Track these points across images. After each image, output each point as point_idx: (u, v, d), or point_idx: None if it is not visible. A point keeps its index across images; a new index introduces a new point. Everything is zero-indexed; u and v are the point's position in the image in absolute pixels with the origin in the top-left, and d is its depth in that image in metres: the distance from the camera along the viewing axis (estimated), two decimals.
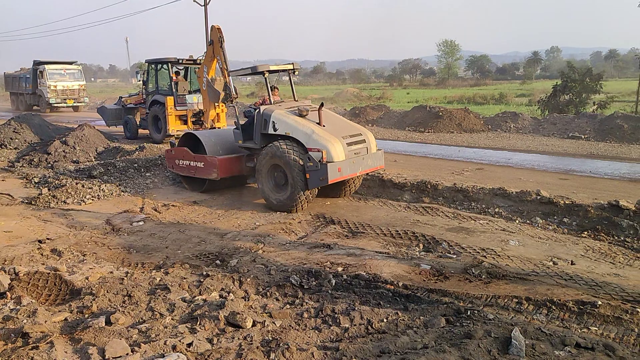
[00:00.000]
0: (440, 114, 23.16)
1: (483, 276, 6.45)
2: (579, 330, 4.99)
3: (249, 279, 6.19)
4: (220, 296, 5.78)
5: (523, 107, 30.09)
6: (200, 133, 11.53)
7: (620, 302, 5.55)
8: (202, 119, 18.20)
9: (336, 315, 5.08)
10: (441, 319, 4.96)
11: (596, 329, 5.04)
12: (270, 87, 10.84)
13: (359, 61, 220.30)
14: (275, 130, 9.74)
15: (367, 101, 38.47)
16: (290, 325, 5.00)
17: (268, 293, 5.86)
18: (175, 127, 18.66)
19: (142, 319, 5.10)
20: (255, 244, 7.91)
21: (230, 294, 5.81)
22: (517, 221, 8.84)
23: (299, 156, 9.24)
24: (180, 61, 19.10)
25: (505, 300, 5.66)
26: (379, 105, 29.13)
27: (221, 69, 15.63)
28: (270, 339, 4.66)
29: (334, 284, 6.10)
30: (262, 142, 10.02)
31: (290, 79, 11.76)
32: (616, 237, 7.79)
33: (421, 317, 5.04)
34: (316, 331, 4.85)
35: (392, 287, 6.08)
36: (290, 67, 11.06)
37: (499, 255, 7.20)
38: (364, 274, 6.46)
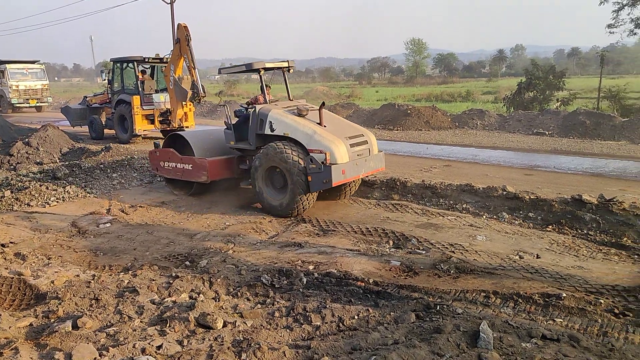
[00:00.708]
0: (409, 111, 23.40)
1: (452, 271, 6.55)
2: (545, 322, 5.11)
3: (219, 280, 6.14)
4: (190, 297, 5.72)
5: (489, 105, 30.64)
6: (187, 134, 11.03)
7: (584, 294, 5.71)
8: (169, 118, 18.02)
9: (307, 313, 5.09)
10: (411, 314, 5.01)
11: (561, 320, 5.16)
12: (265, 85, 10.49)
13: (328, 59, 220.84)
14: (272, 130, 9.30)
15: (337, 99, 38.57)
16: (261, 325, 4.99)
17: (239, 293, 5.83)
18: (142, 127, 18.39)
19: (110, 322, 5.01)
20: (225, 244, 7.85)
21: (201, 294, 5.75)
22: (484, 216, 9.00)
23: (300, 158, 8.85)
24: (146, 60, 18.82)
25: (474, 295, 5.76)
26: (348, 103, 29.28)
27: (188, 67, 15.46)
28: (242, 339, 4.63)
29: (305, 283, 6.10)
30: (258, 143, 9.65)
31: (284, 77, 11.14)
32: (579, 231, 7.99)
33: (392, 313, 5.09)
34: (288, 330, 4.85)
35: (363, 284, 6.12)
36: (285, 64, 10.61)
37: (467, 250, 7.32)
38: (335, 271, 6.48)
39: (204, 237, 8.24)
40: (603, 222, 7.91)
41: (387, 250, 7.56)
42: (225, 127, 10.35)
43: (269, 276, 6.25)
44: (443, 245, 7.60)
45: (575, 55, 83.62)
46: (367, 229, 8.45)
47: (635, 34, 24.15)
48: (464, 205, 9.53)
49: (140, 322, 5.01)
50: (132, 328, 4.83)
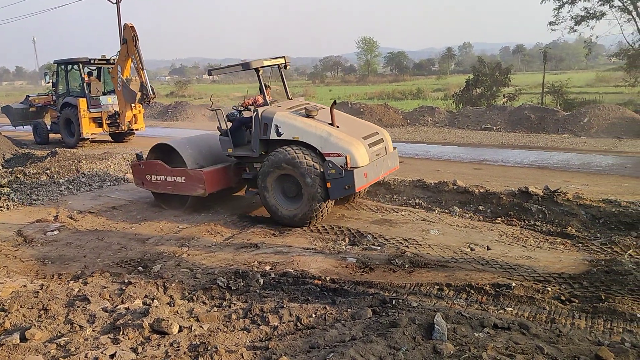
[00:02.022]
0: (362, 110, 23.65)
1: (406, 266, 6.66)
2: (496, 312, 5.26)
3: (173, 284, 6.04)
4: (144, 303, 5.60)
5: (439, 102, 31.29)
6: (175, 143, 9.97)
7: (533, 283, 5.92)
8: (118, 120, 17.58)
9: (265, 314, 5.07)
10: (368, 310, 5.07)
11: (511, 309, 5.33)
12: (265, 85, 9.55)
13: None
14: (279, 135, 8.48)
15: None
16: (218, 328, 4.94)
17: (194, 297, 5.75)
18: (90, 130, 17.86)
19: (60, 332, 4.86)
20: (179, 247, 7.72)
21: (155, 300, 5.64)
22: (436, 211, 9.18)
23: (316, 163, 8.14)
24: (92, 61, 18.29)
25: (428, 288, 5.88)
26: None
27: (136, 68, 15.12)
28: (198, 343, 4.58)
29: (262, 283, 6.08)
30: (261, 149, 8.82)
31: (281, 74, 10.26)
32: (527, 222, 8.27)
33: (348, 310, 5.14)
34: (245, 332, 4.82)
35: (320, 282, 6.14)
36: (282, 61, 9.67)
37: (420, 245, 7.46)
38: (292, 271, 6.48)
39: (157, 242, 8.08)
40: (549, 213, 8.21)
41: (343, 247, 7.62)
42: (220, 133, 9.42)
43: (225, 278, 6.19)
44: (397, 240, 7.72)
45: (520, 52, 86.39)
46: (323, 227, 8.49)
47: (575, 30, 25.18)
48: (417, 201, 9.70)
49: (92, 331, 4.87)
50: (84, 337, 4.69)
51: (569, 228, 7.77)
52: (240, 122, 9.43)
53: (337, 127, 8.46)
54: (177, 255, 7.38)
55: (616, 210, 7.86)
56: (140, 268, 6.95)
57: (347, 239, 7.93)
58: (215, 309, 5.45)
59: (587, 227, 7.78)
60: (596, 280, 5.82)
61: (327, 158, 8.10)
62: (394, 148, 9.33)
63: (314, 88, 55.03)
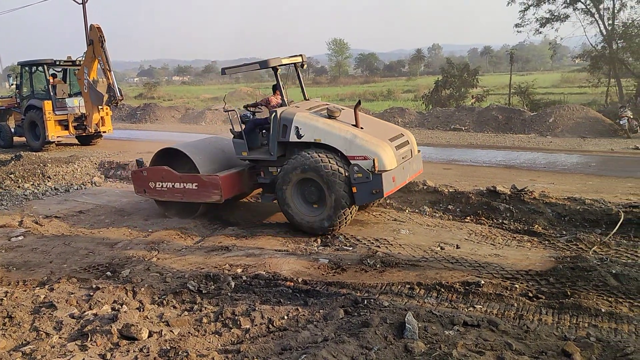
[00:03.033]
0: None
1: (378, 265, 6.70)
2: (466, 310, 5.34)
3: (143, 289, 5.95)
4: (113, 309, 5.50)
5: (409, 102, 31.59)
6: (183, 147, 9.37)
7: (501, 280, 6.02)
8: (85, 123, 17.24)
9: (236, 317, 5.04)
10: (340, 310, 5.09)
11: (481, 307, 5.42)
12: (276, 85, 9.13)
13: (251, 60, 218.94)
14: (299, 137, 8.05)
15: None
16: (189, 332, 4.89)
17: (164, 301, 5.67)
18: (56, 133, 17.47)
19: (25, 340, 4.75)
20: (148, 251, 7.60)
21: (124, 305, 5.55)
22: (407, 211, 9.27)
23: (341, 167, 7.73)
24: (57, 62, 17.90)
25: (399, 287, 5.93)
26: None
27: (103, 69, 14.86)
28: (169, 348, 4.52)
29: (233, 286, 6.04)
30: (279, 152, 8.40)
31: (298, 73, 9.73)
32: (495, 220, 8.41)
33: (321, 311, 5.15)
34: (216, 335, 4.79)
35: (292, 283, 6.14)
36: (299, 59, 9.14)
37: (391, 244, 7.52)
38: (264, 273, 6.45)
39: (125, 246, 7.94)
40: (516, 211, 8.37)
41: (315, 248, 7.63)
42: (233, 136, 8.92)
43: (195, 282, 6.12)
44: (369, 240, 7.77)
45: (488, 54, 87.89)
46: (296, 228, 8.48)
47: (540, 32, 25.70)
48: (388, 201, 9.77)
49: (59, 338, 4.78)
50: (51, 345, 4.60)
51: (536, 226, 7.93)
52: (254, 124, 8.99)
53: (362, 128, 8.08)
54: (146, 259, 7.27)
55: (581, 208, 8.06)
56: (108, 273, 6.81)
57: (319, 240, 7.94)
58: (186, 313, 5.40)
59: (553, 225, 7.96)
60: (562, 277, 5.96)
61: (352, 161, 7.70)
62: (419, 151, 8.97)
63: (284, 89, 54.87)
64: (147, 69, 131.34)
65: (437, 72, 30.02)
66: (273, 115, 8.25)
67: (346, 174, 7.68)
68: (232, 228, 8.69)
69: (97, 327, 4.85)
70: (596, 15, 23.40)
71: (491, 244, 7.45)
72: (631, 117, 16.87)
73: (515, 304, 5.40)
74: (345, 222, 8.06)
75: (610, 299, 5.39)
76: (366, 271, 6.60)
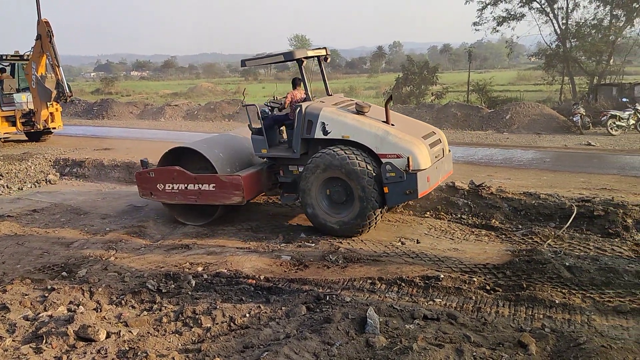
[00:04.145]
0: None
1: (340, 261, 6.74)
2: (426, 303, 5.43)
3: (100, 289, 5.80)
4: (69, 310, 5.36)
5: (371, 99, 31.80)
6: (198, 146, 8.67)
7: (460, 274, 6.15)
8: (33, 119, 16.67)
9: (197, 316, 4.98)
10: (302, 307, 5.10)
11: (440, 300, 5.51)
12: (297, 79, 8.63)
13: (212, 55, 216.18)
14: (326, 133, 7.61)
15: (223, 96, 38.00)
16: (148, 332, 4.81)
17: (123, 301, 5.55)
18: (2, 130, 16.84)
19: None
20: (106, 251, 7.44)
21: (80, 306, 5.40)
22: None
23: (370, 165, 7.31)
24: (4, 57, 17.26)
25: (361, 282, 5.97)
26: (234, 99, 28.92)
27: (52, 65, 14.41)
28: (127, 349, 4.44)
29: (194, 285, 5.96)
30: (302, 149, 7.95)
31: (321, 67, 9.23)
32: (454, 215, 8.56)
33: (283, 308, 5.14)
34: (177, 335, 4.72)
35: (254, 281, 6.11)
36: (323, 52, 8.69)
37: (353, 240, 7.57)
38: (225, 271, 6.40)
39: (82, 245, 7.74)
40: (474, 206, 8.54)
41: (278, 245, 7.60)
42: (252, 132, 8.47)
43: (155, 281, 6.02)
44: (331, 236, 7.79)
45: (447, 52, 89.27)
46: (258, 225, 8.45)
47: (497, 31, 26.23)
48: None
49: (13, 341, 4.63)
50: (3, 348, 4.46)
51: (493, 220, 8.12)
52: (273, 120, 8.53)
53: (392, 125, 7.65)
54: (104, 258, 7.11)
55: (536, 203, 8.28)
56: (64, 273, 6.62)
57: (281, 237, 7.92)
58: (145, 312, 5.30)
59: (509, 219, 8.15)
60: (518, 270, 6.12)
61: (383, 160, 7.27)
62: (449, 150, 8.54)
63: (246, 85, 54.49)
64: (104, 64, 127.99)
65: (398, 70, 30.40)
66: (298, 110, 7.78)
67: (376, 173, 7.29)
68: (192, 226, 8.57)
69: (53, 329, 4.71)
70: (550, 15, 24.10)
71: (450, 238, 7.59)
72: (584, 114, 17.44)
73: (474, 297, 5.51)
74: (375, 224, 7.68)
75: (563, 290, 5.56)
76: (328, 267, 6.63)
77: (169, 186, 8.50)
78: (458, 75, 48.70)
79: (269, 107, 8.70)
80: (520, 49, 56.14)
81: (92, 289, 5.80)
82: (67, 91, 14.68)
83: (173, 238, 8.04)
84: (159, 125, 23.69)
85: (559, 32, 24.01)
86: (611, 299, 5.31)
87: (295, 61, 8.21)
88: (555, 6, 23.91)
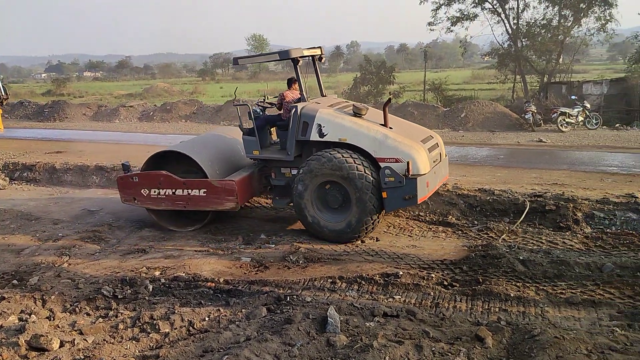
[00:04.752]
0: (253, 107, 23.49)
1: (300, 261, 6.74)
2: (386, 301, 5.49)
3: (53, 297, 5.62)
4: (20, 319, 5.19)
5: None
6: (186, 149, 8.19)
7: (418, 270, 6.24)
8: None
9: (155, 321, 4.89)
10: (262, 308, 5.07)
11: (400, 297, 5.58)
12: (292, 78, 8.33)
13: (167, 55, 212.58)
14: (322, 135, 7.37)
15: (179, 96, 37.39)
16: (104, 340, 4.70)
17: (77, 309, 5.40)
18: None
19: None
20: (59, 257, 7.20)
21: (32, 315, 5.24)
22: None
23: (369, 169, 7.12)
24: None
25: (321, 282, 5.99)
26: (191, 100, 28.48)
27: None
28: (82, 357, 4.33)
29: (151, 290, 5.84)
30: (296, 151, 7.70)
31: (315, 67, 8.88)
32: (412, 212, 8.66)
33: (243, 310, 5.11)
34: (134, 341, 4.62)
35: (213, 284, 6.04)
36: (318, 52, 8.45)
37: (314, 240, 7.57)
38: (184, 274, 6.30)
39: (33, 252, 7.46)
40: (431, 203, 8.67)
41: (237, 247, 7.53)
42: (243, 133, 8.18)
43: (110, 287, 5.87)
44: (292, 236, 7.78)
45: (404, 51, 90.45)
46: (216, 227, 8.34)
47: (451, 31, 26.68)
48: None
49: None
50: None
51: (450, 217, 8.27)
52: (265, 120, 8.24)
53: (391, 128, 7.46)
54: (56, 265, 6.89)
55: (490, 199, 8.49)
56: (14, 281, 6.37)
57: (241, 239, 7.85)
58: (101, 319, 5.17)
59: (465, 216, 8.33)
60: (474, 265, 6.26)
61: (382, 164, 7.08)
62: (446, 155, 8.39)
63: (204, 85, 53.79)
64: (55, 65, 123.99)
65: (356, 69, 30.60)
66: (293, 111, 7.53)
67: (375, 178, 7.10)
68: (148, 229, 8.40)
69: (3, 340, 4.57)
70: (502, 15, 24.69)
71: (409, 235, 7.69)
72: (535, 111, 17.98)
73: (432, 293, 5.60)
74: (372, 229, 7.49)
75: (518, 284, 5.73)
76: (289, 268, 6.61)
77: (154, 191, 8.08)
78: (414, 74, 49.36)
79: (261, 107, 8.45)
80: (474, 49, 57.46)
81: (44, 297, 5.62)
82: (2, 93, 14.10)
83: (129, 242, 7.86)
84: (113, 127, 23.12)
85: (510, 32, 24.65)
86: (563, 291, 5.50)
87: (289, 60, 7.90)
88: (507, 6, 24.53)
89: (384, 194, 7.08)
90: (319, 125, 7.38)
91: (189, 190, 7.91)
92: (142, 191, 8.15)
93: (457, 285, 5.79)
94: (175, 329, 4.77)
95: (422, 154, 7.13)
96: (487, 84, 32.56)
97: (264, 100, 8.70)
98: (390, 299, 5.53)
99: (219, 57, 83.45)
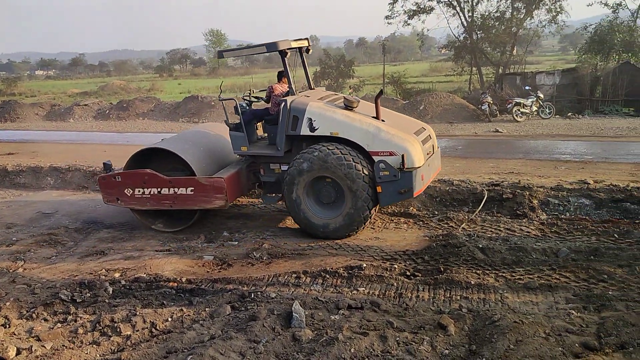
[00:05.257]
0: (213, 103, 23.23)
1: (264, 257, 6.70)
2: (350, 293, 5.51)
3: (8, 303, 5.43)
4: None
5: None
6: (172, 146, 7.90)
7: (381, 262, 6.30)
8: None
9: (116, 324, 4.79)
10: (227, 306, 5.03)
11: (364, 289, 5.62)
12: (282, 72, 8.07)
13: (123, 52, 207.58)
14: (313, 130, 7.16)
15: (136, 94, 36.58)
16: (63, 345, 4.57)
17: (34, 315, 5.22)
18: None
19: None
20: (13, 262, 6.96)
21: None
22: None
23: (363, 164, 6.95)
24: None
25: (286, 277, 5.97)
26: (148, 97, 27.90)
27: None
28: None
29: (111, 292, 5.71)
30: (286, 147, 7.47)
31: (302, 59, 8.60)
32: None
33: (207, 309, 5.05)
34: (94, 345, 4.52)
35: (176, 284, 5.95)
36: (305, 43, 8.22)
37: (277, 235, 7.56)
38: (145, 275, 6.19)
39: None
40: None
41: (200, 245, 7.44)
42: (230, 128, 7.90)
43: (68, 291, 5.71)
44: (255, 233, 7.73)
45: (363, 45, 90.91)
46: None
47: (409, 24, 26.98)
48: None
49: None
50: None
51: (411, 208, 8.38)
52: (252, 115, 7.97)
53: (383, 121, 7.29)
54: (11, 270, 6.65)
55: (450, 189, 8.63)
56: None
57: (203, 237, 7.76)
58: (59, 325, 5.02)
59: (426, 206, 8.45)
60: (436, 254, 6.37)
61: (375, 157, 6.93)
62: (438, 147, 8.21)
63: (161, 82, 52.77)
64: (5, 63, 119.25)
65: (316, 64, 30.59)
66: (282, 106, 7.30)
67: (368, 172, 6.95)
68: (107, 230, 8.22)
69: None
70: (457, 8, 25.08)
71: (371, 228, 7.74)
72: (491, 102, 18.36)
73: (395, 284, 5.67)
74: (366, 225, 7.34)
75: (478, 271, 5.85)
76: (253, 264, 6.57)
77: (139, 191, 7.79)
78: (374, 68, 49.74)
79: (247, 102, 8.18)
80: (431, 42, 58.22)
81: None
82: None
83: (87, 244, 7.66)
84: (68, 127, 22.46)
85: (465, 24, 25.08)
86: (521, 277, 5.65)
87: (276, 53, 7.70)
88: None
89: (379, 189, 6.97)
90: (310, 119, 7.17)
91: (176, 189, 7.65)
92: (125, 191, 7.86)
93: (420, 275, 5.87)
94: (137, 331, 4.68)
95: (416, 147, 6.99)
96: (444, 77, 33.05)
97: (249, 94, 8.45)
98: (355, 291, 5.56)
99: (177, 53, 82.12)
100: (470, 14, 24.86)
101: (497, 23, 24.23)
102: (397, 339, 4.17)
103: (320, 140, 7.21)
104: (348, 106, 7.35)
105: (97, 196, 10.02)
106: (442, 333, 4.31)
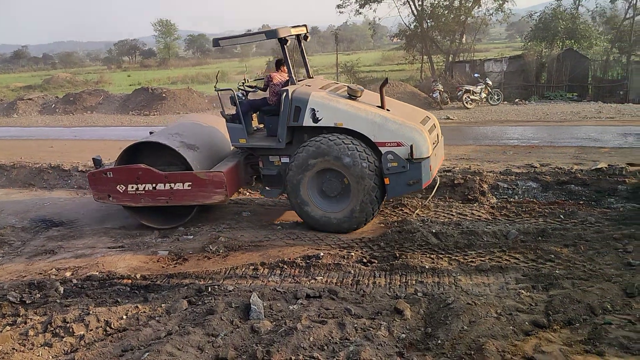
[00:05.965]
0: (164, 95, 22.76)
1: (221, 251, 6.65)
2: (308, 282, 5.54)
3: None
4: None
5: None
6: (167, 140, 7.59)
7: (338, 250, 6.36)
8: None
9: (68, 324, 4.66)
10: (183, 302, 4.97)
11: (321, 277, 5.66)
12: (280, 60, 7.81)
13: (68, 43, 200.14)
14: (316, 120, 6.87)
15: (84, 86, 35.39)
16: (13, 349, 4.42)
17: None
18: None
19: None
20: None
21: None
22: (247, 192, 9.28)
23: (370, 155, 6.74)
24: None
25: (243, 269, 5.95)
26: (96, 90, 27.07)
27: None
28: None
29: (62, 292, 5.55)
30: (287, 138, 7.15)
31: (301, 47, 8.30)
32: None
33: (163, 305, 4.97)
34: (47, 347, 4.38)
35: (130, 280, 5.83)
36: (304, 30, 7.89)
37: (234, 228, 7.50)
38: (97, 273, 6.03)
39: None
40: None
41: (154, 241, 7.31)
42: (227, 120, 7.57)
43: (17, 292, 5.51)
44: (210, 226, 7.65)
45: (315, 34, 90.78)
46: (130, 222, 8.03)
47: (360, 13, 27.07)
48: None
49: None
50: None
51: None
52: (250, 106, 7.67)
53: (388, 110, 7.02)
54: None
55: None
56: None
57: (157, 232, 7.62)
58: (8, 327, 4.84)
59: None
60: (391, 241, 6.47)
61: (382, 148, 6.71)
62: (442, 136, 7.98)
63: (110, 74, 51.23)
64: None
65: (269, 53, 30.34)
66: (284, 96, 6.99)
67: (375, 163, 6.75)
68: (57, 228, 7.97)
69: None
70: None
71: None
72: (442, 90, 18.73)
73: (352, 271, 5.73)
74: (373, 218, 7.11)
75: (432, 256, 5.99)
76: (209, 258, 6.51)
77: (132, 187, 7.49)
78: (327, 57, 49.71)
79: (243, 92, 7.88)
80: (383, 31, 58.64)
81: None
82: None
83: (35, 244, 7.40)
84: (11, 122, 21.58)
85: (416, 13, 25.35)
86: (473, 260, 5.81)
87: (275, 40, 7.37)
88: None
89: (387, 180, 6.78)
90: (313, 109, 6.89)
91: (172, 184, 7.38)
92: (117, 187, 7.54)
93: (376, 261, 5.95)
94: (91, 330, 4.57)
95: (424, 136, 6.75)
96: (396, 65, 33.38)
97: (244, 83, 8.14)
98: (313, 281, 5.59)
99: (125, 44, 79.78)
100: (420, 3, 25.12)
101: (446, 12, 24.58)
102: (355, 325, 4.23)
103: (323, 132, 7.02)
104: (352, 95, 7.15)
105: (44, 194, 9.73)
106: (398, 318, 4.39)
